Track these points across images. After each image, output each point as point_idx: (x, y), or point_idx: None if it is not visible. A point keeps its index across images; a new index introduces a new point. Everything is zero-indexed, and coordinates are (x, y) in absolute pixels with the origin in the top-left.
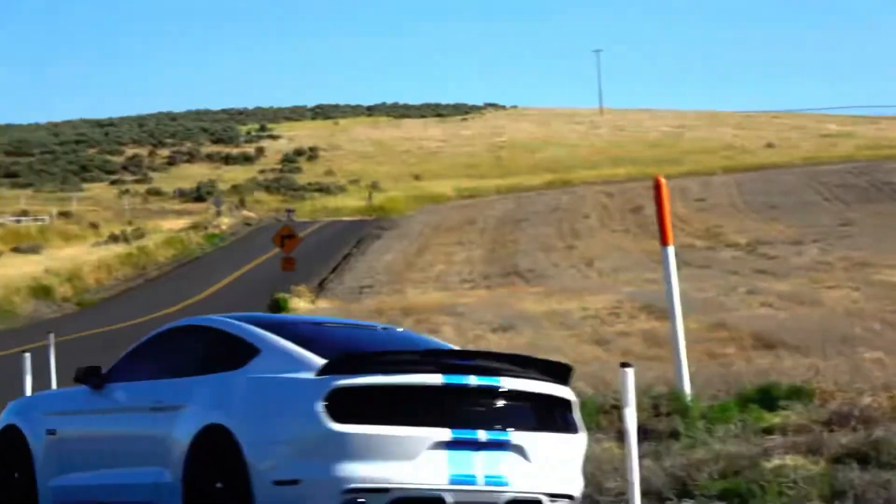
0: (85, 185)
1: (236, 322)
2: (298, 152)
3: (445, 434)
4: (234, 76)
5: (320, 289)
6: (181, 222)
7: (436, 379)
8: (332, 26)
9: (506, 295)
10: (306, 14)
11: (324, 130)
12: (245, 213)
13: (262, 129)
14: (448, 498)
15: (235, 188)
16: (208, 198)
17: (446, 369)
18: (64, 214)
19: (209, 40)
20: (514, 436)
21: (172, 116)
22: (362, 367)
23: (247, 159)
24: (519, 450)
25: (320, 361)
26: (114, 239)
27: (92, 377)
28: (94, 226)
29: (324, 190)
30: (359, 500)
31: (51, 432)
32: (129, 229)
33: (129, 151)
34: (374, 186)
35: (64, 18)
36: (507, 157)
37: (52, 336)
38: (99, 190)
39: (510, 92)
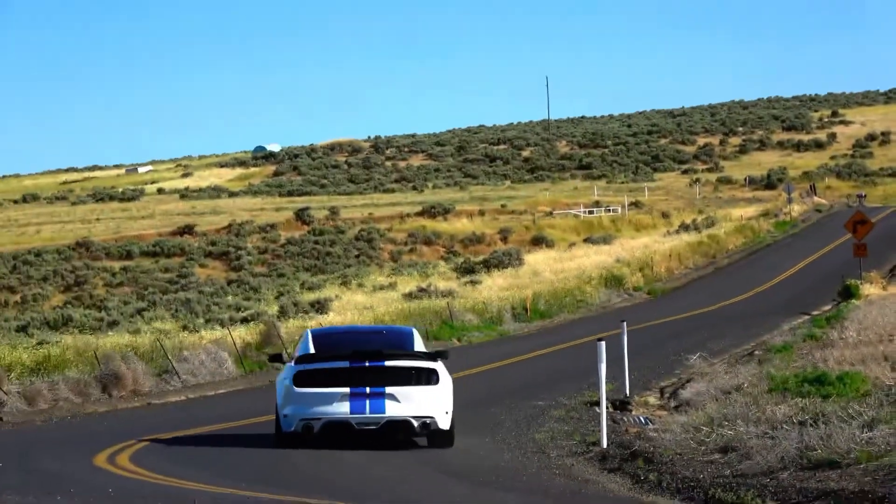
0: (656, 175)
1: (309, 332)
2: (871, 137)
3: (346, 390)
4: (806, 62)
5: (892, 275)
6: (751, 210)
7: (344, 364)
8: None
9: None
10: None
11: None
12: (816, 199)
13: (834, 114)
14: (351, 421)
15: (806, 174)
16: (779, 185)
17: (353, 359)
18: (635, 204)
19: (784, 28)
20: (390, 389)
21: (744, 105)
22: (310, 360)
23: (818, 145)
24: (392, 396)
25: None
26: (684, 228)
27: (277, 358)
28: (665, 215)
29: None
30: (307, 423)
31: (280, 382)
32: (699, 218)
33: (701, 140)
34: None
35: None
36: None
37: (624, 324)
38: (670, 179)
39: None
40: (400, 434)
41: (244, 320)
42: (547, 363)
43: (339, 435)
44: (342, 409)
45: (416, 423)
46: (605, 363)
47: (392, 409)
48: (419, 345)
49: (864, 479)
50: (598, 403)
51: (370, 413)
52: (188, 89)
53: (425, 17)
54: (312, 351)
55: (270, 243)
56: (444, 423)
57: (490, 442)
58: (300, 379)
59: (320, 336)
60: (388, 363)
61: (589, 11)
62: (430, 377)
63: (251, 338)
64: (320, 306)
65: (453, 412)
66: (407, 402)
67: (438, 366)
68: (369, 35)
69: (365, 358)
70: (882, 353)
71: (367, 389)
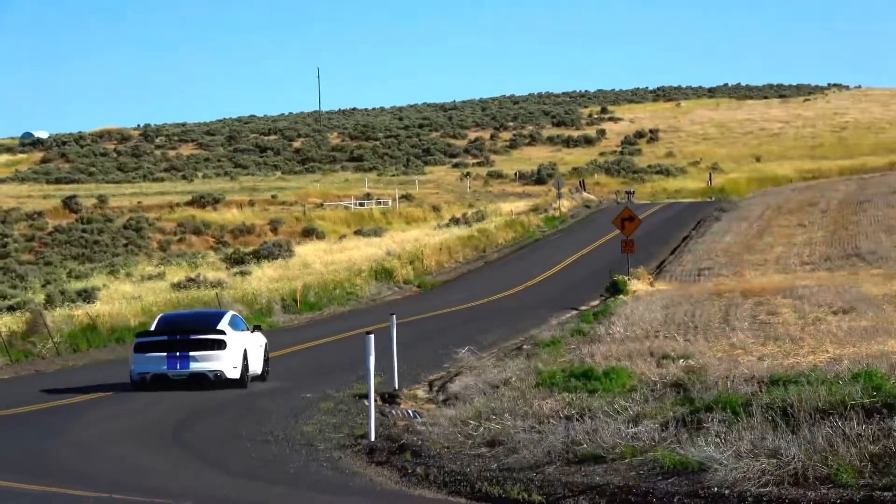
0: (427, 169)
1: (160, 315)
2: (639, 134)
3: (164, 354)
4: (576, 59)
5: (659, 271)
6: (521, 204)
7: (164, 337)
8: (669, 7)
9: (846, 277)
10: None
11: (665, 112)
12: (585, 195)
13: (604, 111)
14: (168, 374)
15: (576, 170)
16: (548, 180)
17: (170, 334)
18: (405, 197)
19: (554, 23)
20: (192, 353)
21: (514, 100)
22: (146, 335)
23: (588, 142)
24: (194, 358)
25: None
26: (455, 222)
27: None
28: (435, 209)
29: (663, 172)
30: (143, 375)
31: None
32: (469, 212)
33: (472, 135)
34: (714, 168)
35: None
36: (850, 138)
37: (393, 317)
38: (441, 173)
39: (856, 72)
40: (202, 381)
41: (10, 308)
42: (316, 355)
43: (162, 383)
44: (162, 366)
45: (210, 375)
46: (374, 356)
47: (194, 366)
48: (224, 324)
49: (628, 474)
50: (366, 396)
51: (179, 369)
52: None
53: (195, 4)
54: (152, 329)
55: (37, 231)
56: (233, 374)
57: (257, 434)
58: (139, 347)
59: (165, 318)
60: (191, 336)
61: (361, 3)
62: (220, 345)
63: (17, 326)
64: (87, 295)
65: (264, 367)
66: (204, 361)
67: (227, 337)
68: (139, 23)
69: (177, 333)
70: (648, 348)
71: (178, 353)
